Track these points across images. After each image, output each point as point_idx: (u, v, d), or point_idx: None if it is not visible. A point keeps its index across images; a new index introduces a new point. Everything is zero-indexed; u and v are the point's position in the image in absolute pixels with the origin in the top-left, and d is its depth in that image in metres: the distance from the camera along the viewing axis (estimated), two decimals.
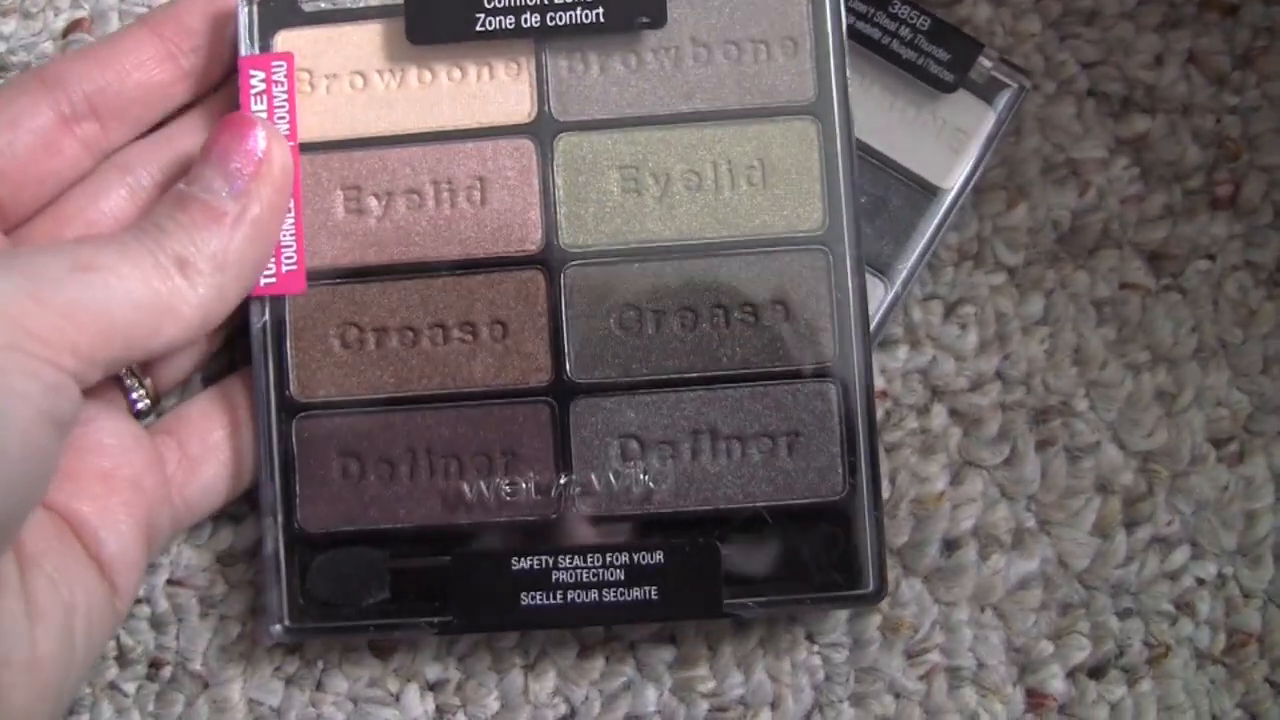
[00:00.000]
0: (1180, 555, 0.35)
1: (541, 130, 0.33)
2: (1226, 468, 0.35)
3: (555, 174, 0.33)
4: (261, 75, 0.33)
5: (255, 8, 0.33)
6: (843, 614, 0.34)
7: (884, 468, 0.35)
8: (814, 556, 0.32)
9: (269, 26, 0.33)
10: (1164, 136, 0.37)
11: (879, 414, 0.35)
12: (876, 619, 0.34)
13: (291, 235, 0.33)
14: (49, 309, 0.26)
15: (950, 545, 0.35)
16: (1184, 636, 0.35)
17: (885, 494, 0.35)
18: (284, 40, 0.33)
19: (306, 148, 0.33)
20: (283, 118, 0.33)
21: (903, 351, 0.36)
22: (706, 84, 0.33)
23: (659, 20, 0.33)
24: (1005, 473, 0.35)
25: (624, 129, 0.33)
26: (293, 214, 0.33)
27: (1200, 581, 0.35)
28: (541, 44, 0.33)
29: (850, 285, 0.32)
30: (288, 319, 0.33)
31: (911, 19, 0.35)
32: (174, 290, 0.29)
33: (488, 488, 0.33)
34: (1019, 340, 0.36)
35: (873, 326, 0.34)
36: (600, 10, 0.32)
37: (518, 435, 0.33)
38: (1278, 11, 0.38)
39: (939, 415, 0.35)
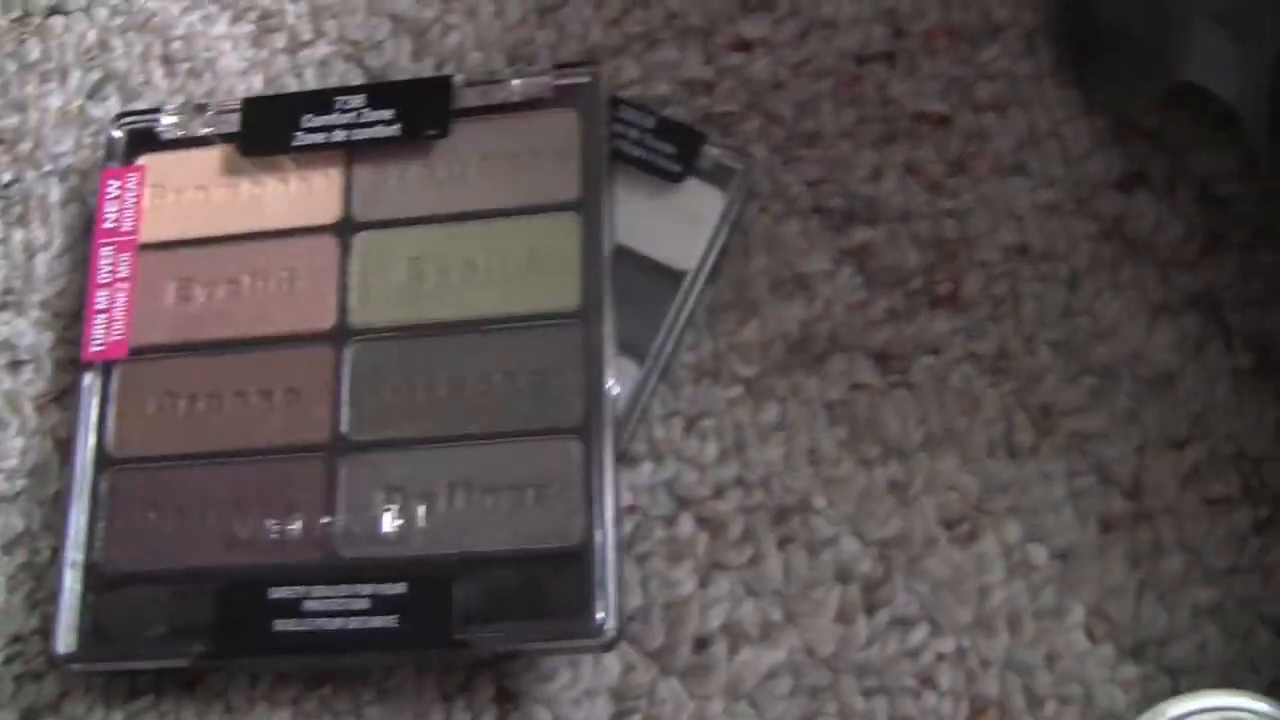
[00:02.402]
0: (920, 633, 0.38)
1: (344, 229, 0.39)
2: (959, 548, 0.38)
3: (352, 264, 0.39)
4: (118, 184, 0.40)
5: (125, 134, 0.41)
6: (602, 710, 0.37)
7: (635, 577, 0.38)
8: (554, 600, 0.36)
9: (134, 149, 0.41)
10: (885, 244, 0.40)
11: (628, 527, 0.38)
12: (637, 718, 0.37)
13: (123, 311, 0.39)
14: None
15: (702, 643, 0.38)
16: (928, 709, 0.37)
17: (638, 600, 0.38)
18: (146, 161, 0.41)
19: (152, 246, 0.40)
20: (131, 220, 0.40)
21: (648, 467, 0.39)
22: (488, 188, 0.39)
23: (444, 132, 0.39)
24: (750, 571, 0.38)
25: (413, 226, 0.39)
26: (126, 294, 0.39)
27: (940, 656, 0.38)
28: (352, 157, 0.39)
29: (603, 355, 0.37)
30: (114, 384, 0.39)
31: (637, 120, 0.40)
32: None
33: (259, 529, 0.37)
34: (756, 447, 0.39)
35: (625, 402, 0.38)
36: (397, 126, 0.39)
37: (295, 486, 0.37)
38: (986, 118, 0.41)
39: (685, 524, 0.39)
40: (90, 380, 0.39)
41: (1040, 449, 0.39)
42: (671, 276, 0.39)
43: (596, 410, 0.37)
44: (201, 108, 0.41)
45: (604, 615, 0.35)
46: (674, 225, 0.39)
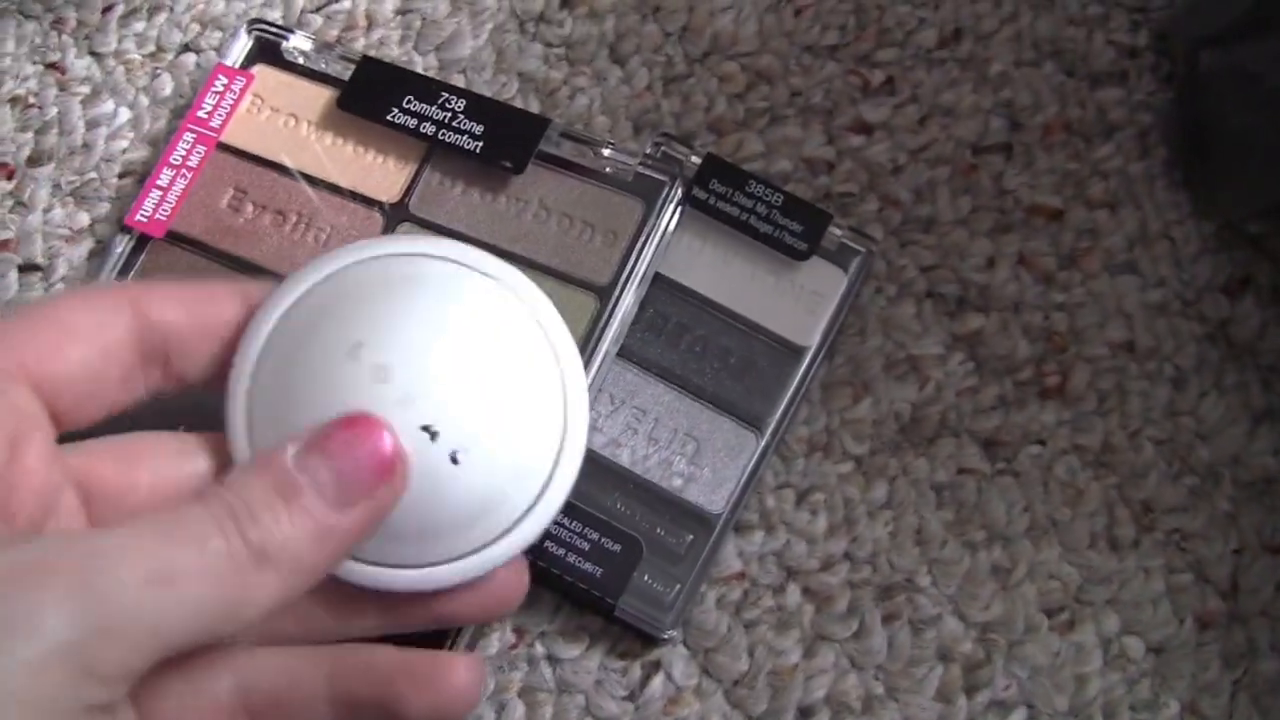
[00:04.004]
0: (1017, 717, 0.39)
1: (393, 214, 0.40)
2: (1058, 635, 0.39)
3: None
4: (225, 81, 0.42)
5: (254, 39, 0.42)
6: None
7: (742, 643, 0.39)
8: None
9: (254, 56, 0.42)
10: (996, 333, 0.41)
11: (737, 594, 0.39)
12: None
13: (177, 196, 0.41)
14: (117, 643, 0.24)
15: (805, 712, 0.39)
16: None
17: (745, 666, 0.39)
18: (260, 72, 0.42)
19: (228, 149, 0.41)
20: (221, 117, 0.42)
21: (759, 536, 0.40)
22: (533, 236, 0.40)
23: (519, 168, 0.40)
24: (855, 645, 0.39)
25: (452, 238, 0.40)
26: (187, 183, 0.41)
27: None
28: (431, 153, 0.41)
29: None
30: (141, 257, 0.40)
31: (766, 196, 0.40)
32: (243, 598, 0.26)
33: None
34: (865, 523, 0.40)
35: (746, 474, 0.39)
36: (480, 144, 0.40)
37: None
38: (1099, 215, 0.42)
39: (793, 594, 0.39)
40: (122, 244, 0.40)
41: (1140, 544, 0.40)
42: (792, 351, 0.40)
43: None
44: (329, 46, 0.42)
45: None
46: (796, 302, 0.40)
